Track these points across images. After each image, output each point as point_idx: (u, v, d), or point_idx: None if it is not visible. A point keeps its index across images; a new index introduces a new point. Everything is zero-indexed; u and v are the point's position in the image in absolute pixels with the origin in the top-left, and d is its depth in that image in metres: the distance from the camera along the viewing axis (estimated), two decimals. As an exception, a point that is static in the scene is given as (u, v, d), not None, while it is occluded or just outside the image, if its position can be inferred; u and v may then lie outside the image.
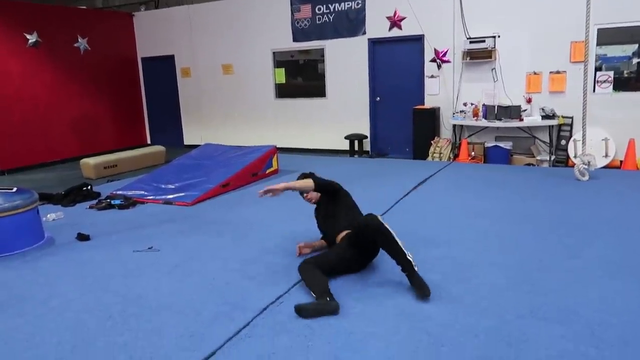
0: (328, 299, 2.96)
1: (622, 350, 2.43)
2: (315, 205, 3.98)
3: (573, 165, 7.17)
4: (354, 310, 2.95)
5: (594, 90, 7.25)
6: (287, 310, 2.97)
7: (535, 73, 7.71)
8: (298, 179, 3.80)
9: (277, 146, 7.61)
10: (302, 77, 9.96)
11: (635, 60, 7.21)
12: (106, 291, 3.41)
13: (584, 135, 6.14)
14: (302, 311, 2.91)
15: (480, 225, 4.50)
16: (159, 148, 9.25)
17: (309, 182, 3.59)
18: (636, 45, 7.11)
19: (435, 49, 8.33)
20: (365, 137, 9.16)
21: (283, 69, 9.95)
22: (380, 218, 3.22)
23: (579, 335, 2.56)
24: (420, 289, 3.06)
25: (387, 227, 3.18)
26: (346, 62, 9.20)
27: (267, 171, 7.08)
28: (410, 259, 3.15)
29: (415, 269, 3.15)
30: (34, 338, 2.80)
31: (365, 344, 2.57)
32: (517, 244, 3.98)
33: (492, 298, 3.05)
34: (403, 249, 3.16)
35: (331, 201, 3.72)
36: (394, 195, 5.68)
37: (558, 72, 7.54)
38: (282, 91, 10.07)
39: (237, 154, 7.09)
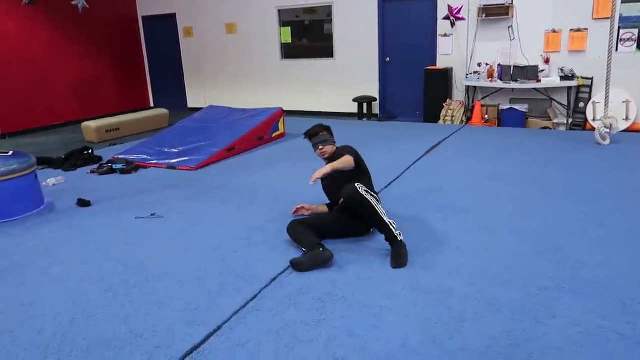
0: (321, 249, 2.95)
1: (657, 326, 2.27)
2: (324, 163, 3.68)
3: (591, 129, 6.91)
4: (367, 282, 2.79)
5: (616, 49, 6.87)
6: (297, 282, 2.81)
7: (554, 31, 7.31)
8: (315, 130, 3.54)
9: (283, 109, 7.35)
10: (308, 39, 9.55)
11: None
12: (107, 259, 3.26)
13: (607, 97, 5.85)
14: (297, 265, 2.91)
15: (497, 191, 4.30)
16: (162, 111, 9.00)
17: (350, 161, 3.30)
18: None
19: (449, 6, 7.89)
20: (375, 99, 8.85)
21: (289, 28, 9.55)
22: (359, 189, 3.07)
23: (611, 311, 2.39)
24: (395, 259, 2.98)
25: (366, 197, 3.05)
26: (355, 20, 8.79)
27: (274, 135, 6.85)
28: (393, 229, 3.05)
29: (400, 238, 3.05)
30: (33, 309, 2.67)
31: (380, 319, 2.42)
32: (537, 211, 3.78)
33: (513, 268, 2.87)
34: (384, 218, 3.06)
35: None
36: (405, 160, 5.46)
37: (579, 30, 7.15)
38: (289, 52, 9.70)
39: (242, 117, 6.85)
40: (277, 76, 9.85)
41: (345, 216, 3.32)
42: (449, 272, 2.86)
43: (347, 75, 9.11)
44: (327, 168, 3.26)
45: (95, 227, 3.89)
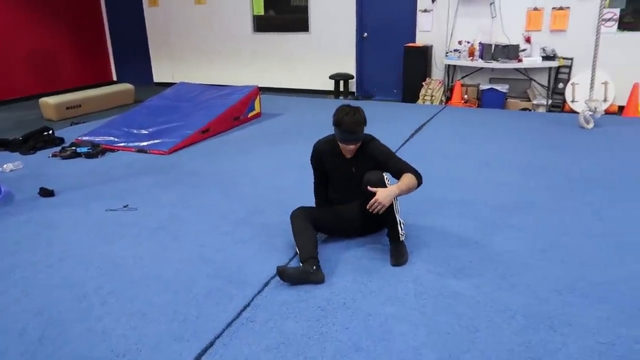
0: (315, 267, 2.64)
1: (677, 333, 2.17)
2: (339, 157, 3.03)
3: (570, 111, 6.88)
4: (367, 287, 2.59)
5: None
6: (292, 287, 2.58)
7: (536, 9, 7.17)
8: (355, 127, 2.80)
9: (259, 87, 6.98)
10: (282, 11, 9.09)
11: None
12: (78, 261, 2.94)
13: (592, 79, 5.77)
14: (284, 275, 2.61)
15: (490, 180, 4.16)
16: (127, 86, 8.45)
17: (415, 183, 2.81)
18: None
19: (430, -20, 7.63)
20: (352, 77, 8.55)
21: (262, -1, 9.07)
22: (386, 179, 2.81)
23: (627, 317, 2.27)
24: (395, 257, 2.81)
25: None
26: (332, -7, 8.41)
27: (250, 115, 6.50)
28: (400, 229, 2.83)
29: (402, 238, 2.84)
30: (-6, 323, 2.36)
31: (387, 329, 2.23)
32: (533, 202, 3.66)
33: (519, 268, 2.73)
34: (397, 216, 2.82)
35: (372, 167, 2.92)
36: (390, 145, 5.22)
37: (561, 8, 7.02)
38: (261, 24, 9.23)
39: (216, 95, 6.46)
40: (249, 50, 9.39)
41: (359, 214, 2.95)
42: (453, 273, 2.69)
43: (323, 51, 8.76)
44: (395, 190, 2.71)
45: (61, 221, 3.53)
